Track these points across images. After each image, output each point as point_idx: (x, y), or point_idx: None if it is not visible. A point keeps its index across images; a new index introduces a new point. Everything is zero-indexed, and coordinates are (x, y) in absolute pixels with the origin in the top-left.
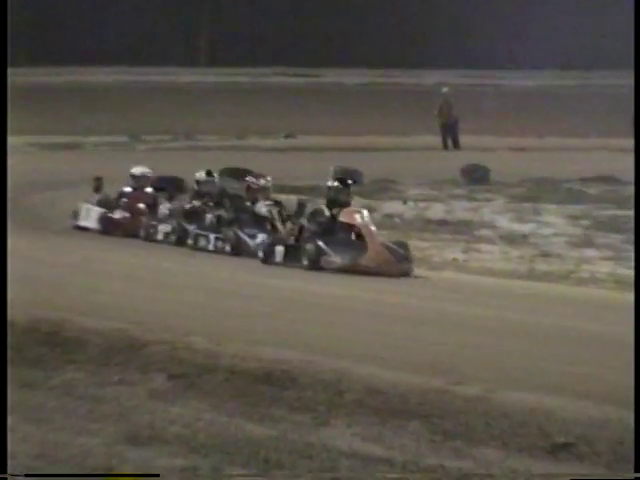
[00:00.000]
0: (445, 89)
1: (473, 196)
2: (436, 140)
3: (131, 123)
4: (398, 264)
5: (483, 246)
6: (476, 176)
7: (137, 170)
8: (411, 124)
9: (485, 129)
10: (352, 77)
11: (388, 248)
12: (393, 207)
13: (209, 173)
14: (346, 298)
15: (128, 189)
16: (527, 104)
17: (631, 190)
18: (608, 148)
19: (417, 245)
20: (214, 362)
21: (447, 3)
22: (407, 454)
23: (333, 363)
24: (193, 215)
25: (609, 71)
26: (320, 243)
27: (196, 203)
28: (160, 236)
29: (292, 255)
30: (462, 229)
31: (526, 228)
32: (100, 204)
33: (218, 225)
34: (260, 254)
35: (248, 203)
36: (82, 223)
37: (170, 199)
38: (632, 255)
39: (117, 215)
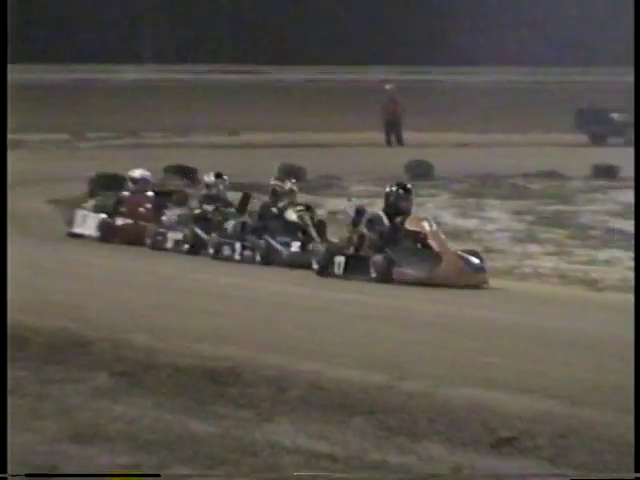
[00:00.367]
0: (389, 86)
1: (417, 192)
2: (380, 137)
3: (73, 121)
4: (474, 274)
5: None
6: (420, 172)
7: (136, 173)
8: (355, 121)
9: (428, 125)
10: (296, 74)
11: (462, 257)
12: (337, 204)
13: (218, 175)
14: (280, 294)
15: (126, 193)
16: (469, 100)
17: (574, 185)
18: (551, 143)
19: None
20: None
21: (391, 1)
22: (351, 450)
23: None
24: (203, 221)
25: (554, 67)
26: (391, 254)
27: (207, 208)
28: (170, 244)
29: (354, 266)
30: None
31: (470, 223)
32: (97, 210)
33: (242, 233)
34: (315, 265)
35: (274, 209)
36: (77, 230)
37: (178, 203)
38: (575, 250)
39: (118, 221)
